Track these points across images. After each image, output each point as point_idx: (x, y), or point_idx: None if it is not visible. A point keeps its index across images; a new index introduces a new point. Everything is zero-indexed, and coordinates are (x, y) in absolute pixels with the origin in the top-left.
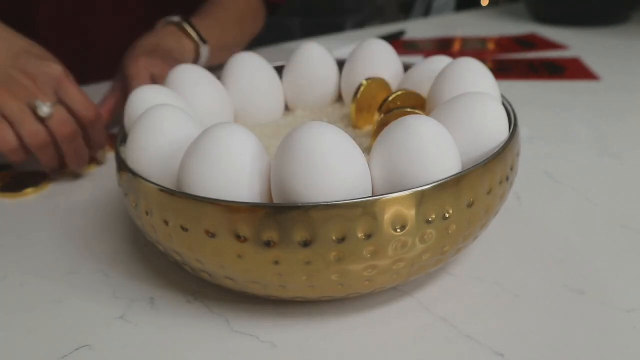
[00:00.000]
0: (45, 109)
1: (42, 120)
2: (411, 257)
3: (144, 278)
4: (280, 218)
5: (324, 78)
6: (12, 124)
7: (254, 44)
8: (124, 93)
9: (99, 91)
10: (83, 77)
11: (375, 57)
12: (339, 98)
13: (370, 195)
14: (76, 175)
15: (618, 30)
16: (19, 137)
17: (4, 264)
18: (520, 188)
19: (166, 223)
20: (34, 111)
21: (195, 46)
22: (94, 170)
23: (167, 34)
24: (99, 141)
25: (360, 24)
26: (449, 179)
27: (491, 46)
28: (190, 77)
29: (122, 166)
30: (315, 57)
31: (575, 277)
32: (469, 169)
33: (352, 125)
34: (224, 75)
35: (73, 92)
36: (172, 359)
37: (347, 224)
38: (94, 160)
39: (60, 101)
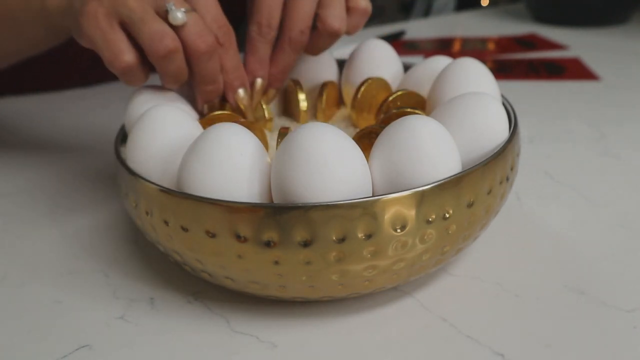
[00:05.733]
0: (178, 15)
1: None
2: (411, 257)
3: (144, 278)
4: (280, 218)
5: (324, 78)
6: (130, 29)
7: None
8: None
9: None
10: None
11: (375, 57)
12: (339, 98)
13: (370, 195)
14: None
15: (618, 30)
16: (139, 46)
17: (4, 264)
18: (520, 188)
19: (166, 223)
20: (164, 17)
21: None
22: (93, 171)
23: None
24: (235, 75)
25: None
26: (449, 179)
27: (491, 46)
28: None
29: (122, 166)
30: (315, 57)
31: (575, 277)
32: (469, 169)
33: (352, 125)
34: None
35: (209, 2)
36: (172, 359)
37: (347, 224)
38: (237, 107)
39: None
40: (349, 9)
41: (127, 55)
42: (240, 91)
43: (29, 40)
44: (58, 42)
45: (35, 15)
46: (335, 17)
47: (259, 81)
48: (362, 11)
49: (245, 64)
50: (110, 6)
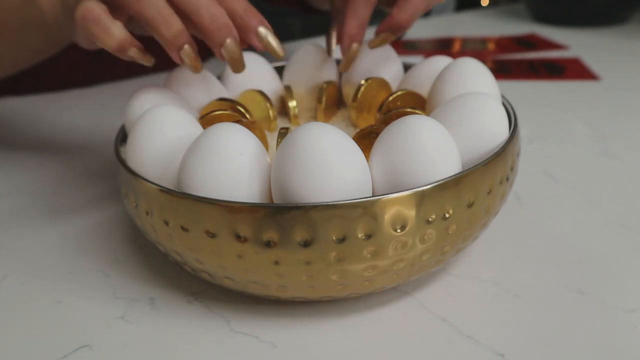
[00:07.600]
0: None
1: None
2: (411, 257)
3: (144, 278)
4: (280, 218)
5: (324, 78)
6: (114, 3)
7: None
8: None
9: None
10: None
11: (375, 57)
12: (339, 98)
13: (370, 195)
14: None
15: (618, 30)
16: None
17: (4, 264)
18: (520, 188)
19: (166, 223)
20: None
21: None
22: (93, 171)
23: None
24: (249, 15)
25: None
26: (449, 179)
27: (491, 46)
28: (190, 77)
29: (122, 166)
30: (315, 57)
31: (575, 277)
32: (469, 169)
33: (352, 125)
34: (224, 75)
35: None
36: (172, 359)
37: (347, 224)
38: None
39: None
40: None
41: (116, 29)
42: (261, 29)
43: (29, 51)
44: (57, 51)
45: (33, 27)
46: None
47: (354, 46)
48: None
49: (344, 26)
50: None
